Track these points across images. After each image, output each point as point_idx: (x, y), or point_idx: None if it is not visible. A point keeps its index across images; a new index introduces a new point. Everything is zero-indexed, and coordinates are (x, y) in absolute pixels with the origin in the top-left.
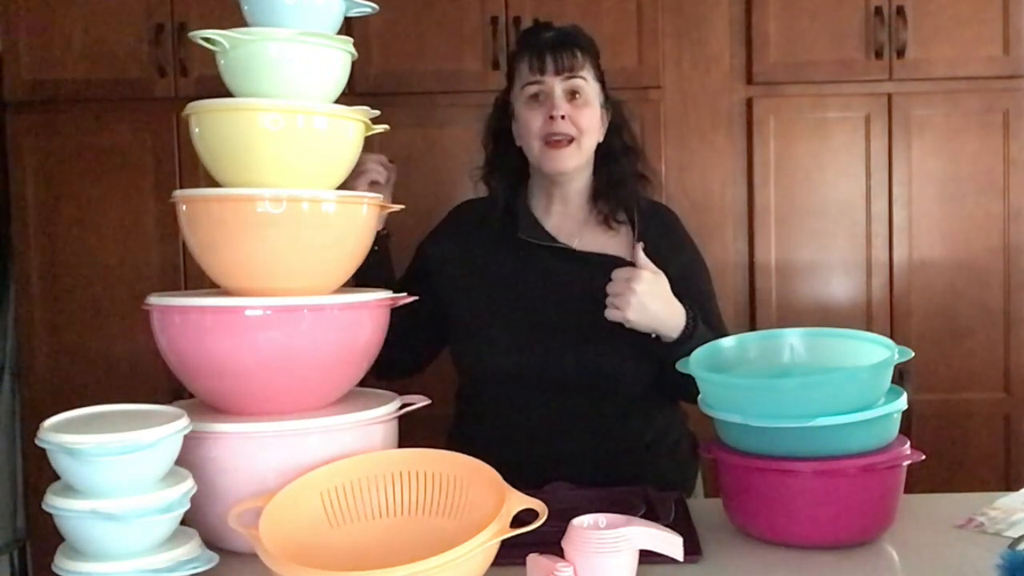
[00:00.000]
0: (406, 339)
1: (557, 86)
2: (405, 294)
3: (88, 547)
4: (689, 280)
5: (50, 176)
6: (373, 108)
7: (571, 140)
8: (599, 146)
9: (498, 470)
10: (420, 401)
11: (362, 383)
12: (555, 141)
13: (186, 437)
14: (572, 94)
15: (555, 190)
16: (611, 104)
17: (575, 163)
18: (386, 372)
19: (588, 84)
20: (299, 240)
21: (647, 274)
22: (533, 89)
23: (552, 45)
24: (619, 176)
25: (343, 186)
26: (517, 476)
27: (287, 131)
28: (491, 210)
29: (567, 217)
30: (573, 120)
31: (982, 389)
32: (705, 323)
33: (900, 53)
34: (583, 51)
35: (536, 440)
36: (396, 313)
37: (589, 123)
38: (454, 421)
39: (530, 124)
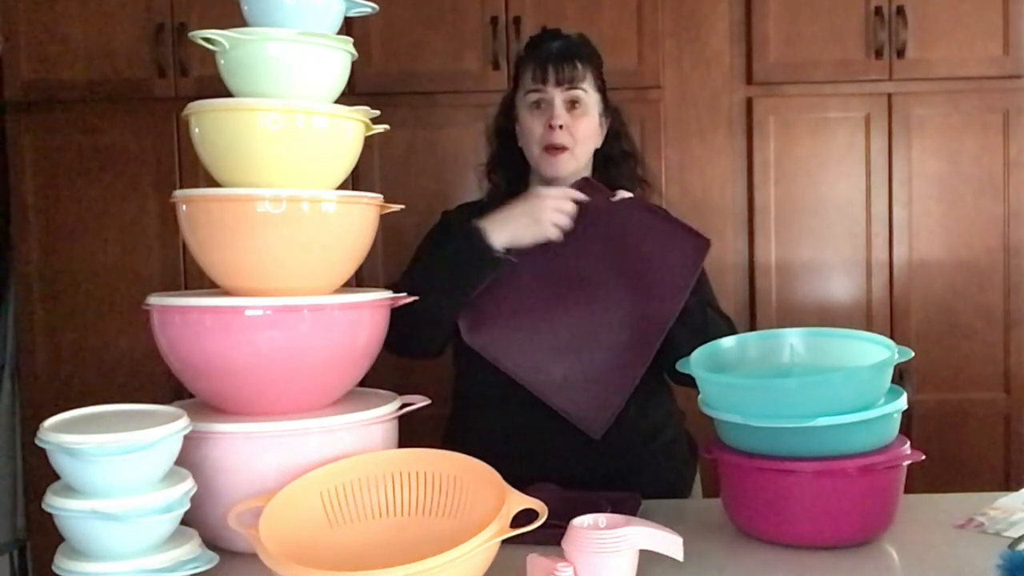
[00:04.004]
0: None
1: (557, 96)
2: (405, 294)
3: (88, 547)
4: None
5: (50, 176)
6: (373, 108)
7: (567, 149)
8: (598, 151)
9: (495, 469)
10: (420, 401)
11: (363, 383)
12: (553, 149)
13: (186, 437)
14: (572, 104)
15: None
16: (611, 111)
17: (571, 169)
18: (411, 349)
19: (588, 95)
20: (299, 240)
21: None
22: (535, 97)
23: (556, 57)
24: (617, 180)
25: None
26: (516, 474)
27: (287, 131)
28: (492, 206)
29: None
30: (571, 130)
31: (982, 389)
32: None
33: (900, 53)
34: (585, 63)
35: (534, 438)
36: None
37: (586, 132)
38: (449, 421)
39: (531, 130)
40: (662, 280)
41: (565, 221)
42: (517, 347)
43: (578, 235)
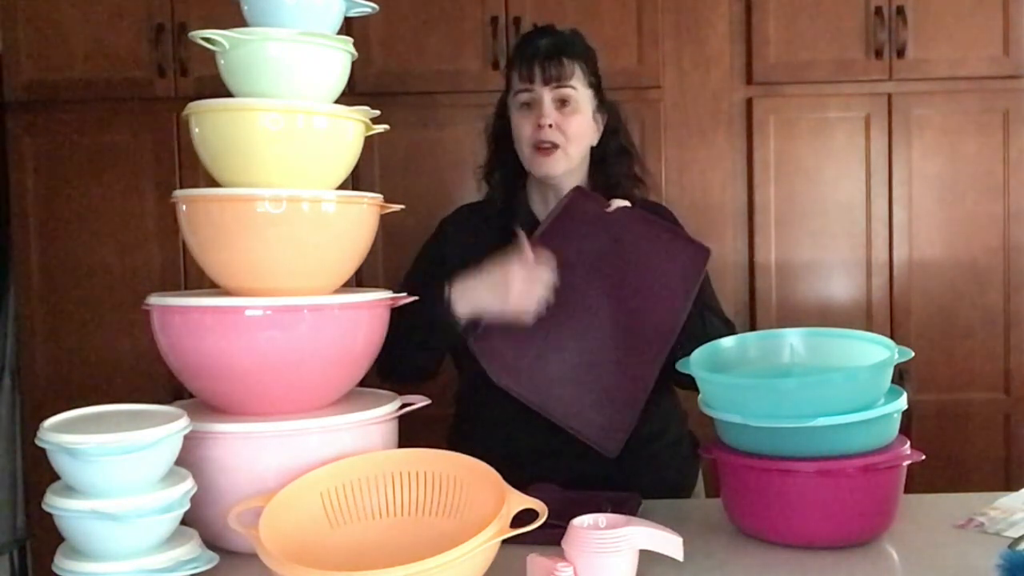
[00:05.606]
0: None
1: (546, 95)
2: (405, 295)
3: (88, 547)
4: None
5: (50, 176)
6: (373, 108)
7: (558, 147)
8: (594, 149)
9: (499, 470)
10: (420, 401)
11: (362, 383)
12: (543, 148)
13: (186, 437)
14: (561, 102)
15: (550, 191)
16: (607, 107)
17: (562, 168)
18: (402, 376)
19: (578, 92)
20: (299, 240)
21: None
22: (524, 97)
23: (543, 55)
24: (614, 178)
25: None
26: (519, 475)
27: (287, 131)
28: (490, 208)
29: None
30: (561, 128)
31: (982, 389)
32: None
33: (900, 53)
34: (574, 59)
35: (536, 439)
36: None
37: (577, 130)
38: (453, 423)
39: (521, 130)
40: (663, 294)
41: (540, 298)
42: (526, 374)
43: (574, 250)
